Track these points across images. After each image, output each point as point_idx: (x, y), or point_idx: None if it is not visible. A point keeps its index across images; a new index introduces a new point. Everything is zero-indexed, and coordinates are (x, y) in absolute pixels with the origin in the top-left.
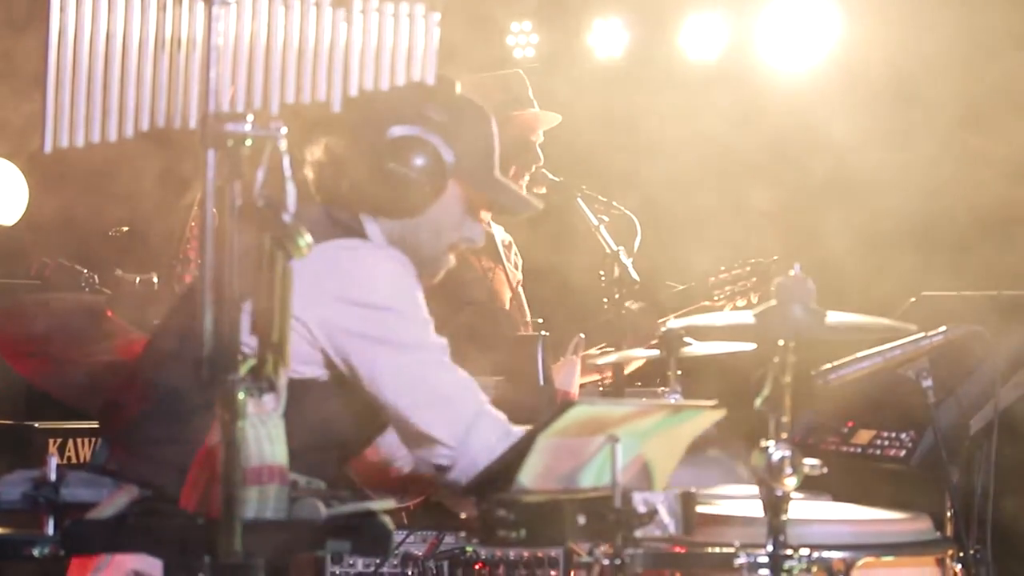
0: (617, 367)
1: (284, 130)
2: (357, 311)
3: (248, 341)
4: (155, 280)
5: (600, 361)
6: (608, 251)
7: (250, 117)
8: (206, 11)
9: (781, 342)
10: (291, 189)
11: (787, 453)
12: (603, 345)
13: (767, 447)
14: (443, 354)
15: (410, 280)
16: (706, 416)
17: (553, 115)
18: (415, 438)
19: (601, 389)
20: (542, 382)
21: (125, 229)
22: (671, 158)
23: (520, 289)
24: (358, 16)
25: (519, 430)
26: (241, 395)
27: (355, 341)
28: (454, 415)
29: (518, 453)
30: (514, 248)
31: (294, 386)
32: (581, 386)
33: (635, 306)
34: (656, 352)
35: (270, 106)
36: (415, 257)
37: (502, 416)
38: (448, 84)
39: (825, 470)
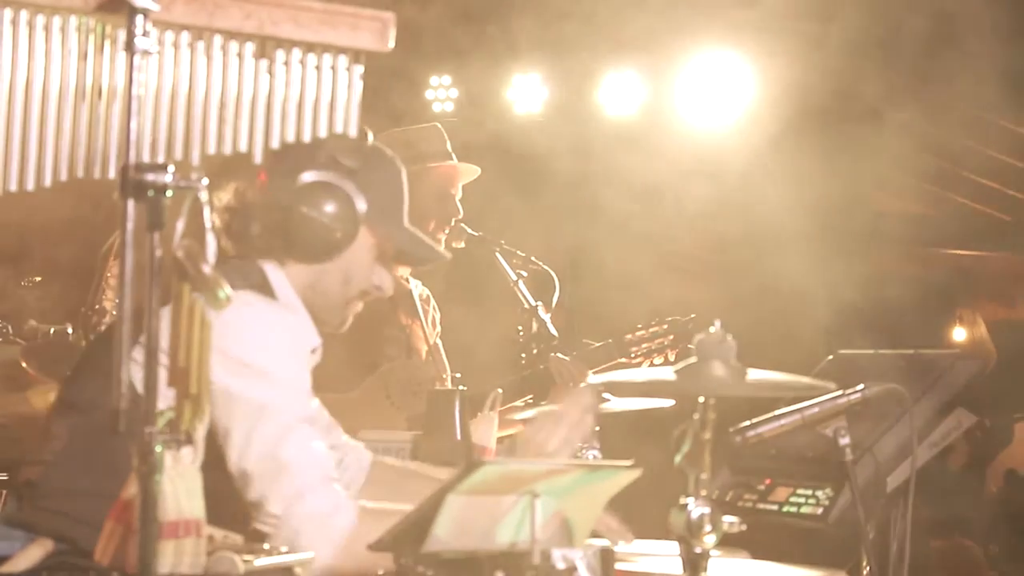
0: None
1: (205, 181)
2: (227, 362)
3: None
4: (69, 331)
5: (518, 416)
6: (526, 306)
7: (171, 168)
8: (127, 61)
9: (701, 399)
10: (211, 240)
11: (706, 510)
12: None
13: (687, 504)
14: (301, 426)
15: (292, 344)
16: (623, 475)
17: (472, 168)
18: (249, 503)
19: None
20: (459, 436)
21: (38, 279)
22: (590, 213)
23: (439, 343)
24: (280, 68)
25: (351, 505)
26: (158, 448)
27: (218, 392)
28: (287, 485)
29: (428, 511)
30: (432, 302)
31: None
32: (499, 440)
33: (565, 356)
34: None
35: (191, 157)
36: (323, 303)
37: (341, 492)
38: (360, 133)
39: (743, 527)
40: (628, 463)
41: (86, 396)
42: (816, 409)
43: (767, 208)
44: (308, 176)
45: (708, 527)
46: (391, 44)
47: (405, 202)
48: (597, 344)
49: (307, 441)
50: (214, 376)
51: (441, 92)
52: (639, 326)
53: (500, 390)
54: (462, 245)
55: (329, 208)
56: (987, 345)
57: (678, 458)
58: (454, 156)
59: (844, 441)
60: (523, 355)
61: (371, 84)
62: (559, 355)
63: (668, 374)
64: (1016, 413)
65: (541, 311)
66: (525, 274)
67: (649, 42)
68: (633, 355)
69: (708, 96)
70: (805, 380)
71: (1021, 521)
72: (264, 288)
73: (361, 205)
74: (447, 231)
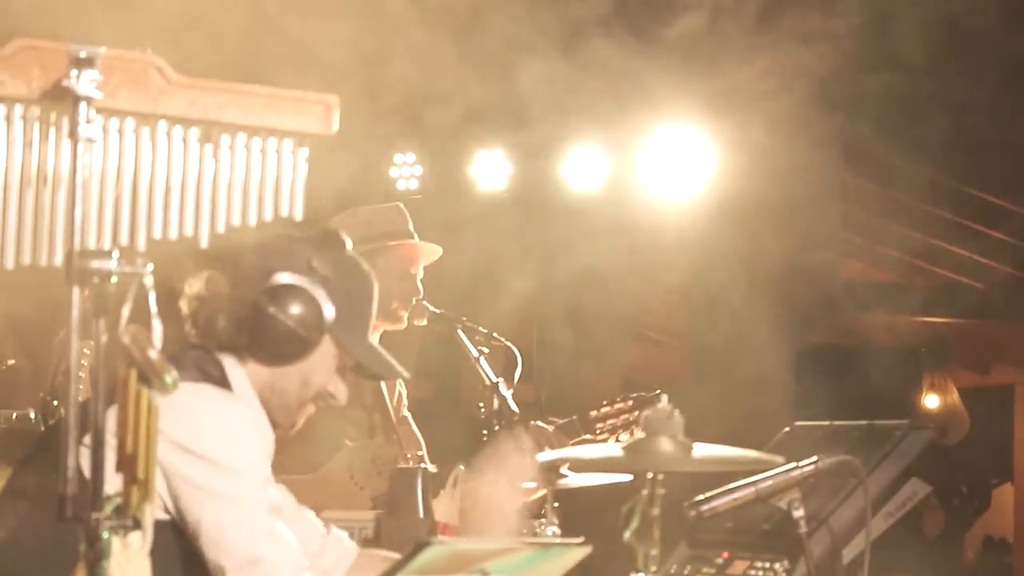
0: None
1: (150, 267)
2: (189, 458)
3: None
4: (32, 416)
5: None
6: (488, 382)
7: (116, 254)
8: (72, 148)
9: (649, 475)
10: (157, 325)
11: None
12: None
13: None
14: (270, 517)
15: (252, 435)
16: (574, 553)
17: (433, 247)
18: None
19: None
20: (422, 515)
21: (11, 363)
22: (556, 287)
23: (408, 415)
24: (225, 152)
25: None
26: (106, 534)
27: (185, 488)
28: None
29: None
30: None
31: None
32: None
33: (558, 423)
34: (532, 484)
35: (137, 242)
36: (279, 404)
37: None
38: (340, 241)
39: None
40: (579, 540)
41: (34, 484)
42: (770, 482)
43: (732, 279)
44: (281, 277)
45: None
46: (335, 127)
47: (372, 316)
48: (561, 421)
49: (278, 533)
50: (181, 472)
51: (405, 170)
52: (604, 402)
53: (462, 467)
54: (424, 323)
55: (297, 312)
56: (960, 412)
57: (627, 534)
58: (416, 236)
59: (798, 513)
60: (484, 432)
61: (335, 162)
62: (538, 423)
63: (616, 450)
64: (992, 480)
65: (502, 388)
66: (487, 351)
67: (612, 116)
68: (598, 432)
69: (671, 170)
70: (752, 454)
71: None
72: (222, 382)
73: (329, 313)
74: (408, 310)
